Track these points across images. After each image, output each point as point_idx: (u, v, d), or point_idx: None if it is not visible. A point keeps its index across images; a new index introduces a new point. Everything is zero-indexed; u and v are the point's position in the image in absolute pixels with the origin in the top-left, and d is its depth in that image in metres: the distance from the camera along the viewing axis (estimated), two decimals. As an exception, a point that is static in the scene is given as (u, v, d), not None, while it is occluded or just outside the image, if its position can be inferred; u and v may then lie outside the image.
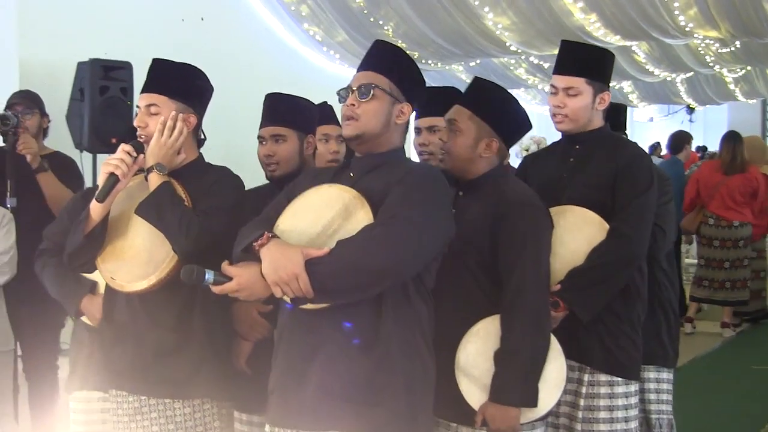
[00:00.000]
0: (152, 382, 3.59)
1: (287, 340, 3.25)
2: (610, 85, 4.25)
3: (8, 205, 5.25)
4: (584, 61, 4.18)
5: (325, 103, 4.60)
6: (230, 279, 3.09)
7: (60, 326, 5.79)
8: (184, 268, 3.10)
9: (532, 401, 3.44)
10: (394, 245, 3.01)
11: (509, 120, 3.74)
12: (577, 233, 3.89)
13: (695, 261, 10.65)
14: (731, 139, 9.95)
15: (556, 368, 3.52)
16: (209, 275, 3.08)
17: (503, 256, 3.51)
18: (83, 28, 7.87)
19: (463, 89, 3.97)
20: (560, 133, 4.27)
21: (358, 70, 3.37)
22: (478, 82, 3.84)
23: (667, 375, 4.58)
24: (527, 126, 3.82)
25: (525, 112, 3.81)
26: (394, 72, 3.32)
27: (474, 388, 3.48)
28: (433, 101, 4.12)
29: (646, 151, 5.19)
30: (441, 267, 3.50)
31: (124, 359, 3.65)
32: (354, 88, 3.29)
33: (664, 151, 16.18)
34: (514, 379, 3.41)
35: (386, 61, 3.34)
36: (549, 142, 4.73)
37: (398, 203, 3.09)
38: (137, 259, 3.56)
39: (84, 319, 3.97)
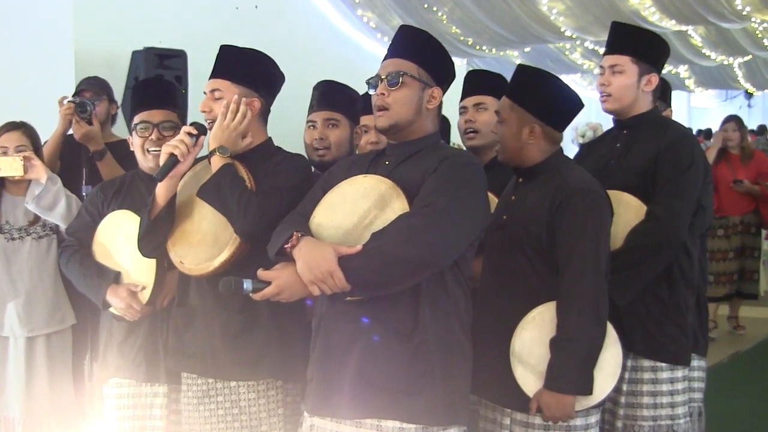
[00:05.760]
0: (220, 365, 3.62)
1: (326, 329, 3.24)
2: (667, 69, 4.18)
3: (83, 193, 5.23)
4: (631, 40, 4.13)
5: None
6: (269, 284, 3.09)
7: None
8: (222, 281, 3.09)
9: (588, 389, 3.40)
10: (429, 235, 2.98)
11: (548, 103, 3.66)
12: (617, 217, 3.79)
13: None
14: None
15: (613, 356, 3.47)
16: (247, 284, 3.08)
17: (562, 243, 3.46)
18: (138, 18, 7.92)
19: (518, 75, 3.92)
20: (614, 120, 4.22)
21: (386, 58, 3.34)
22: (519, 70, 3.78)
23: (698, 362, 4.33)
24: (572, 106, 3.72)
25: (569, 92, 3.72)
26: (421, 57, 3.28)
27: (529, 375, 3.46)
28: (479, 81, 4.16)
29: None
30: (499, 254, 3.50)
31: (194, 342, 3.69)
32: (383, 77, 3.26)
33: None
34: (570, 366, 3.38)
35: (413, 47, 3.31)
36: (604, 128, 4.65)
37: (432, 192, 3.06)
38: (204, 242, 3.59)
39: (112, 309, 4.00)
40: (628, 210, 3.88)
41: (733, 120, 9.42)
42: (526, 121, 3.62)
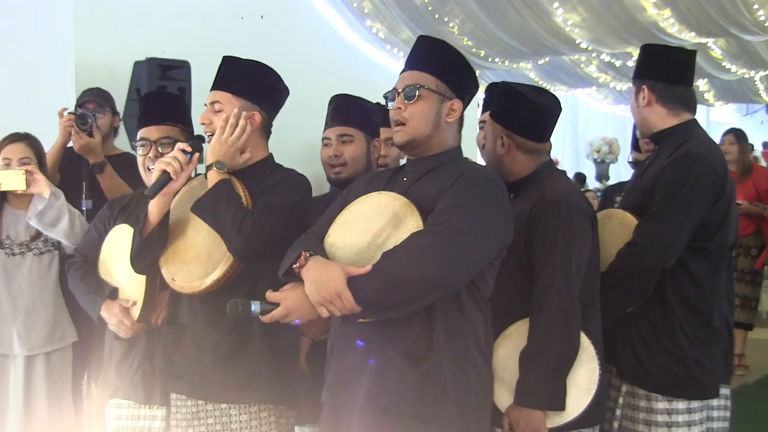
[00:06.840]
0: (210, 387, 3.54)
1: (338, 353, 3.17)
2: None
3: (84, 207, 5.24)
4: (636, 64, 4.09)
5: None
6: (277, 305, 3.01)
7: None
8: (230, 303, 3.03)
9: (558, 404, 3.29)
10: (441, 254, 2.85)
11: (513, 112, 3.59)
12: (615, 238, 3.79)
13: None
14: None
15: (588, 372, 3.36)
16: (255, 306, 3.02)
17: (535, 255, 3.40)
18: (140, 28, 7.83)
19: (531, 88, 3.85)
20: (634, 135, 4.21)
21: (403, 70, 3.23)
22: (501, 86, 3.73)
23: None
24: (541, 114, 3.62)
25: (538, 100, 3.59)
26: (439, 68, 3.18)
27: (503, 391, 3.40)
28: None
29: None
30: None
31: (184, 362, 3.62)
32: (399, 90, 3.18)
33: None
34: (537, 381, 3.29)
35: (431, 58, 3.20)
36: (621, 144, 4.60)
37: (447, 209, 2.96)
38: (197, 259, 3.50)
39: (111, 326, 3.94)
40: (626, 230, 3.79)
41: (732, 132, 9.07)
42: (497, 133, 3.60)
